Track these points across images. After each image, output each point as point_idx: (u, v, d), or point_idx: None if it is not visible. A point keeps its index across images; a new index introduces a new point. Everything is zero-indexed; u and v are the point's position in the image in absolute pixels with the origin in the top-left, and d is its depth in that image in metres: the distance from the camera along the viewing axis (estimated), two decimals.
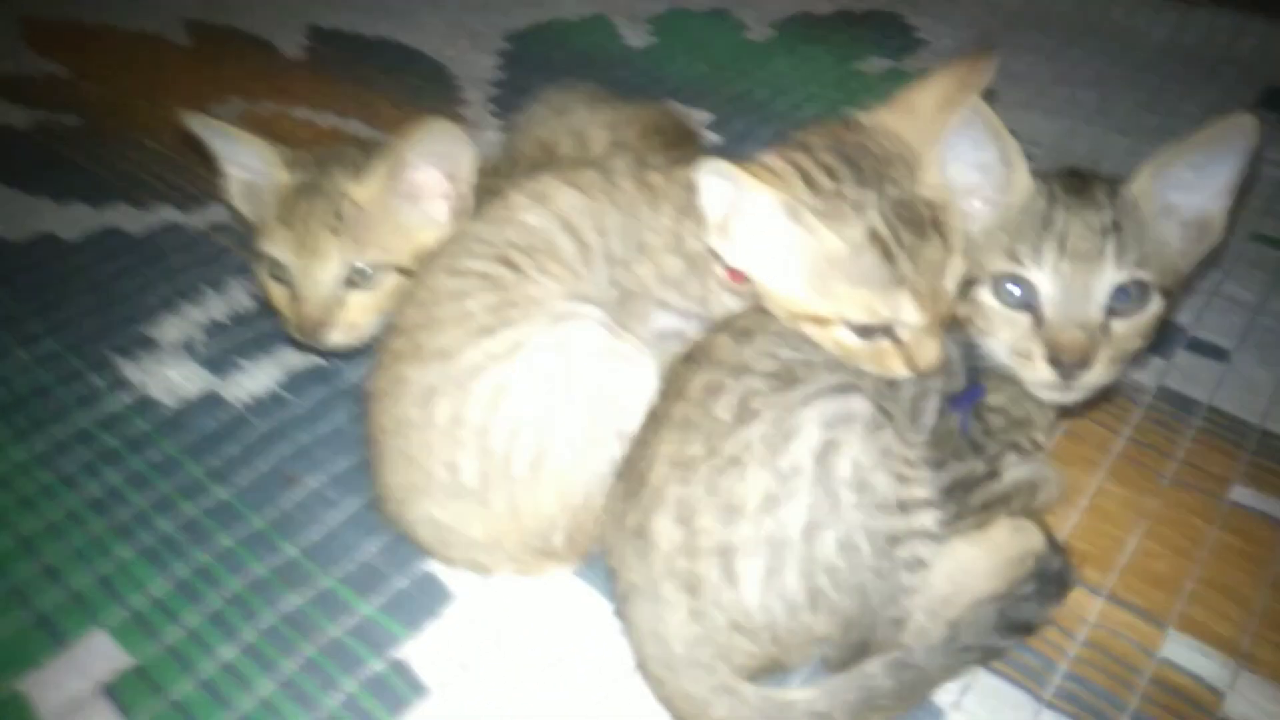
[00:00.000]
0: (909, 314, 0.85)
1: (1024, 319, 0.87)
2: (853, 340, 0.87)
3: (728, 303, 0.98)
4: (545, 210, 1.00)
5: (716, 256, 0.91)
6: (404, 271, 1.06)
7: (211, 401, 1.18)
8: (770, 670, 0.84)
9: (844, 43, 2.20)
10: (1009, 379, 0.92)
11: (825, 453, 0.79)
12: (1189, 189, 0.86)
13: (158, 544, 1.00)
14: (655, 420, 0.88)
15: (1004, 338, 0.89)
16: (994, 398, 0.95)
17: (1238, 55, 2.08)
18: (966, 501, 0.93)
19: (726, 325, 0.93)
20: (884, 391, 0.88)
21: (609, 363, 0.92)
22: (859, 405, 0.82)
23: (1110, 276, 0.83)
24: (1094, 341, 0.84)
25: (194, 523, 1.02)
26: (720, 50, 2.18)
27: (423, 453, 0.92)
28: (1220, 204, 0.87)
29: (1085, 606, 0.94)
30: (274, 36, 2.22)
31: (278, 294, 1.08)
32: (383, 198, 1.05)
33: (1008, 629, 0.89)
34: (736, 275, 0.92)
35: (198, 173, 1.59)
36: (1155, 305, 0.86)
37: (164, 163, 1.71)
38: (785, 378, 0.84)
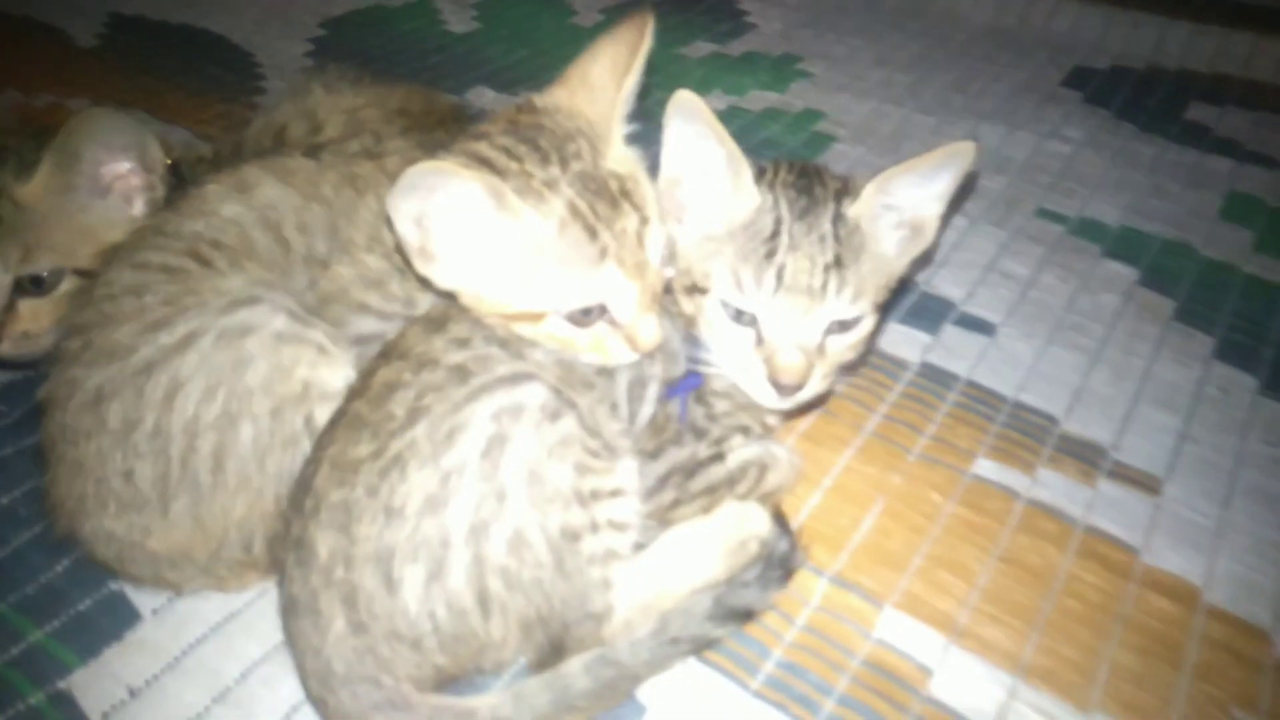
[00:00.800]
0: (619, 286, 0.81)
1: (748, 335, 0.85)
2: (570, 331, 0.83)
3: (432, 302, 0.92)
4: (243, 202, 0.93)
5: (426, 282, 0.84)
6: (87, 274, 0.97)
7: None
8: (462, 677, 0.80)
9: (674, 27, 2.16)
10: None
11: (491, 447, 0.75)
12: (909, 190, 0.85)
13: None
14: (334, 419, 0.82)
15: (726, 349, 0.87)
16: (719, 382, 0.92)
17: (1050, 37, 2.12)
18: (687, 487, 0.90)
19: (424, 315, 0.88)
20: (584, 379, 0.85)
21: (294, 349, 0.85)
22: (532, 395, 0.77)
23: (829, 311, 0.83)
24: (810, 364, 0.84)
25: None
26: (545, 34, 2.13)
27: (94, 461, 0.84)
28: (935, 208, 0.86)
29: (809, 589, 0.92)
30: (68, 25, 2.09)
31: None
32: (55, 196, 0.97)
33: (723, 617, 0.86)
34: None
35: None
36: (868, 324, 0.87)
37: None
38: (464, 371, 0.79)
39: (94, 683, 0.83)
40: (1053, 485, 1.03)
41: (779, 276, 0.82)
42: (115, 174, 0.99)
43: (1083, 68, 1.97)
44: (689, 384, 0.92)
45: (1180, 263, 1.39)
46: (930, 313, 1.28)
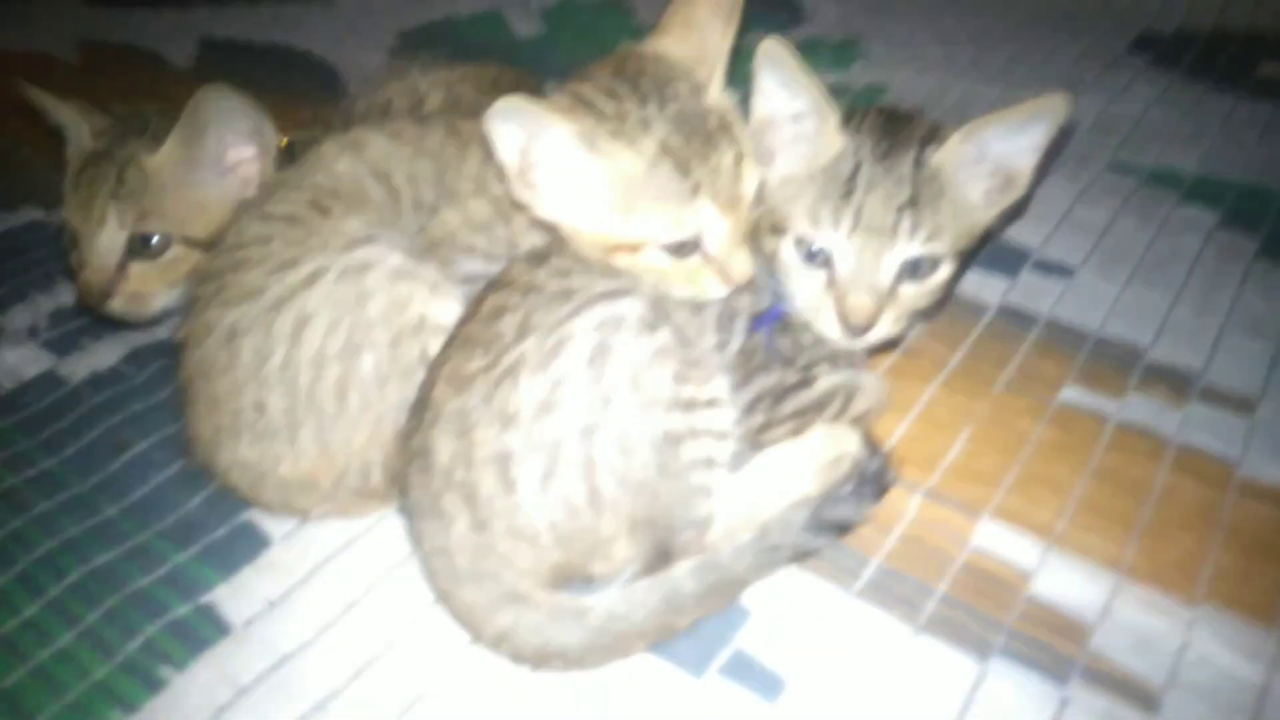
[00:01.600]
0: (711, 219, 0.85)
1: (819, 276, 0.87)
2: (666, 262, 0.87)
3: (535, 244, 0.98)
4: (356, 157, 1.00)
5: (524, 208, 0.89)
6: (199, 244, 1.06)
7: (48, 380, 1.17)
8: (575, 578, 0.84)
9: None
10: None
11: (596, 356, 0.79)
12: (999, 141, 0.85)
13: None
14: (446, 344, 0.87)
15: (800, 289, 0.89)
16: None
17: (1112, 6, 2.12)
18: (777, 410, 0.93)
19: (527, 251, 0.93)
20: (677, 303, 0.89)
21: (409, 284, 0.91)
22: (630, 307, 0.82)
23: (901, 251, 0.84)
24: (880, 306, 0.85)
25: (12, 491, 1.01)
26: (609, 36, 2.19)
27: (229, 394, 0.91)
28: (1029, 160, 0.86)
29: (904, 504, 0.94)
30: (164, 49, 2.24)
31: (73, 262, 1.08)
32: (178, 169, 1.06)
33: (821, 528, 0.88)
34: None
35: None
36: (944, 271, 0.87)
37: (39, 168, 1.70)
38: (567, 293, 0.84)
39: (234, 597, 0.89)
40: (1142, 408, 1.03)
41: (855, 216, 0.85)
42: (240, 158, 1.07)
43: (1147, 34, 1.96)
44: (772, 315, 0.95)
45: (1263, 205, 1.37)
46: (1007, 259, 1.29)
